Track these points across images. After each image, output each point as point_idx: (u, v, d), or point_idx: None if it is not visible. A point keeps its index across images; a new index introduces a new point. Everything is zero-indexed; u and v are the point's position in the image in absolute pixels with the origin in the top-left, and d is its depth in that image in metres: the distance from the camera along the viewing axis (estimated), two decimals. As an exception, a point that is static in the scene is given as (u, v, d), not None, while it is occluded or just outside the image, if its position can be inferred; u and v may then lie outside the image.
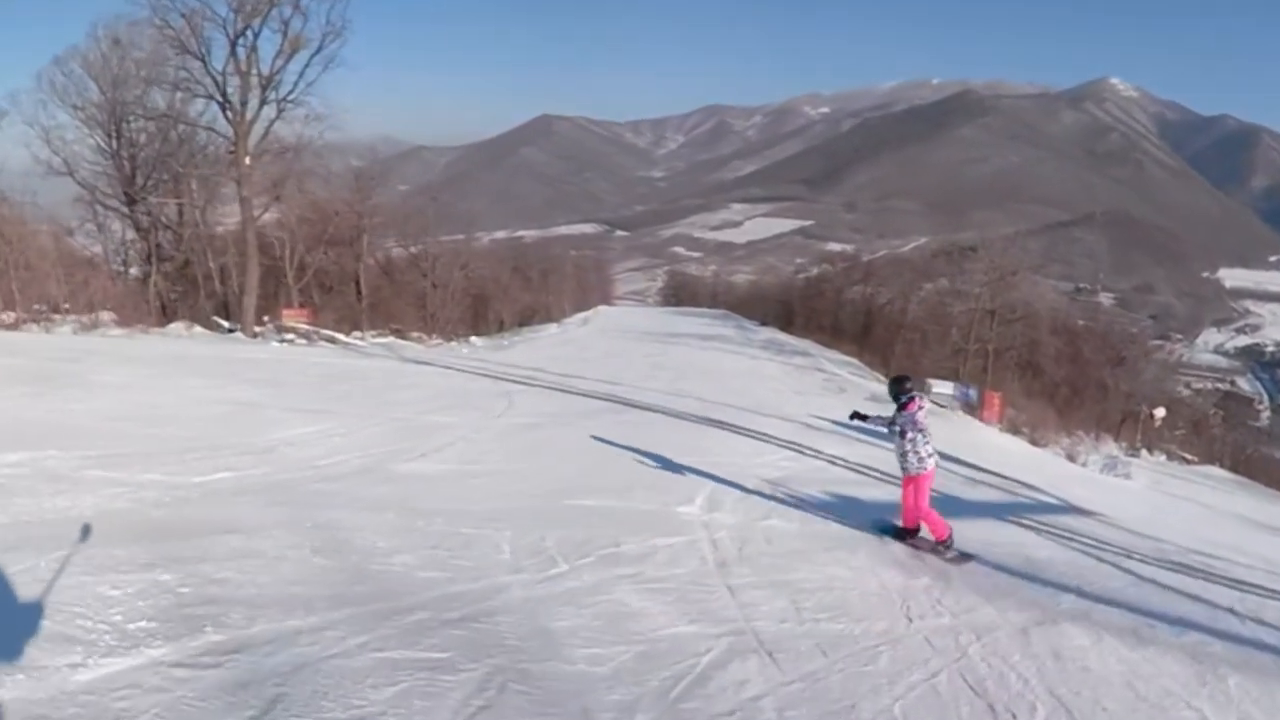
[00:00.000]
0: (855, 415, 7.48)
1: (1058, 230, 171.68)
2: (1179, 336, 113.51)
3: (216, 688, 3.37)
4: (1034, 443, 21.48)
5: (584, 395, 14.14)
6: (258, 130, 21.10)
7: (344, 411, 10.19)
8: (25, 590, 3.96)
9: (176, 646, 3.65)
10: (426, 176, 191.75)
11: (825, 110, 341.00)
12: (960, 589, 6.04)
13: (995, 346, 28.87)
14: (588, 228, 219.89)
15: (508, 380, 15.19)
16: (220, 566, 4.58)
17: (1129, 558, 7.77)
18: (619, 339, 29.32)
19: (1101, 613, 5.90)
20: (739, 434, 11.74)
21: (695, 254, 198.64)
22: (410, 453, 8.29)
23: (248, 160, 20.46)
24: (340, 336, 21.65)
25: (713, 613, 4.95)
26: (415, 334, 26.35)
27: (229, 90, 20.46)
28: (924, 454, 6.72)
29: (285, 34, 20.34)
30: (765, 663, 4.38)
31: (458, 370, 16.51)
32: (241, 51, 20.21)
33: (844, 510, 7.89)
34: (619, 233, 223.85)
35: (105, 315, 18.10)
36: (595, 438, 10.18)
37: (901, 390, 6.87)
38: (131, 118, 22.64)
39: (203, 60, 20.04)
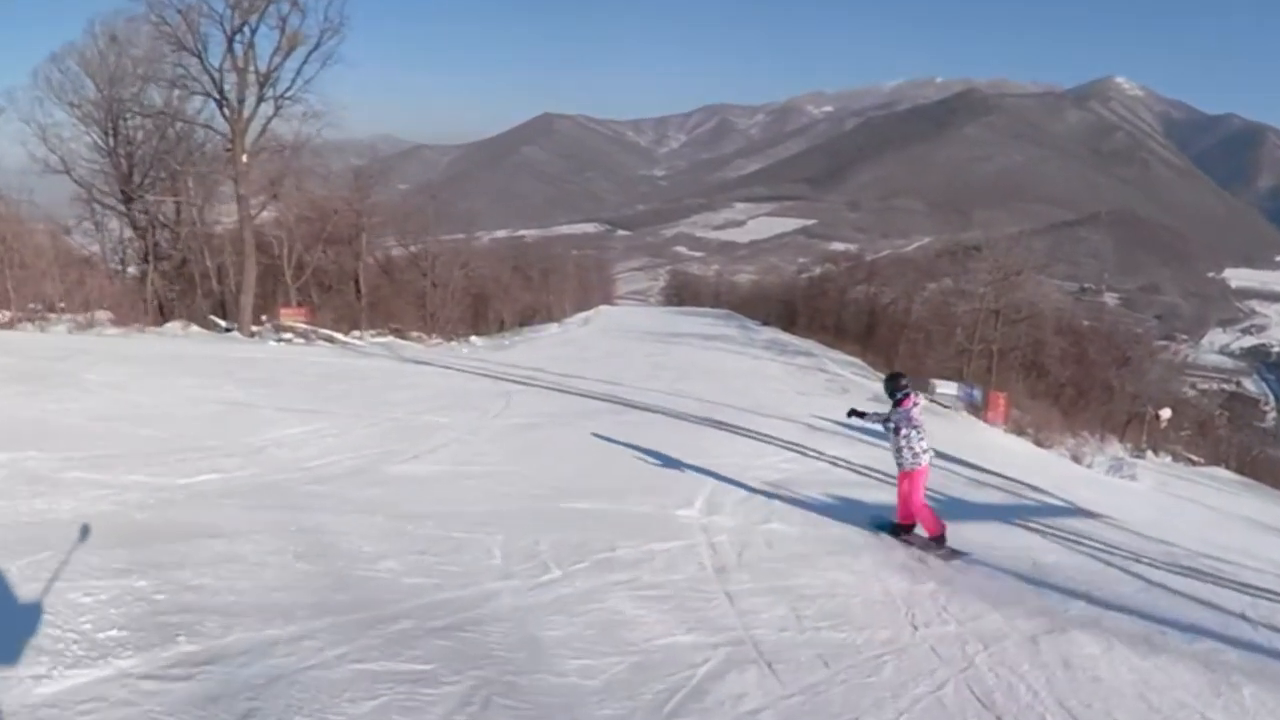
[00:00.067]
0: (853, 412, 7.52)
1: (1062, 230, 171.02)
2: (1184, 337, 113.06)
3: (186, 701, 3.24)
4: (1039, 444, 21.29)
5: (584, 395, 13.99)
6: (255, 128, 20.96)
7: (338, 411, 10.04)
8: (-9, 597, 3.82)
9: (147, 657, 3.52)
10: (427, 175, 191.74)
11: (828, 109, 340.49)
12: (966, 595, 5.89)
13: (1000, 347, 28.64)
14: (589, 227, 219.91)
15: (507, 380, 15.04)
16: (199, 572, 4.44)
17: (1138, 562, 7.65)
18: (620, 339, 29.17)
19: (1112, 619, 5.77)
20: (740, 435, 11.58)
21: (697, 253, 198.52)
22: (404, 454, 8.14)
23: (245, 158, 20.33)
24: (338, 336, 21.52)
25: (710, 621, 4.80)
26: (415, 333, 26.21)
27: (226, 87, 20.32)
28: (919, 449, 6.74)
29: (283, 30, 20.20)
30: (764, 674, 4.23)
31: (456, 370, 16.37)
32: (239, 48, 20.08)
33: (846, 513, 7.74)
34: (621, 232, 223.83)
35: (101, 314, 18.02)
36: (594, 439, 10.04)
37: (897, 387, 6.92)
38: (128, 115, 22.57)
39: (199, 57, 19.89)
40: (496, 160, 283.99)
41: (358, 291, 28.28)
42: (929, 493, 8.90)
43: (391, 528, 5.62)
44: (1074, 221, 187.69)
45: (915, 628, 5.15)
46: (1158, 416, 29.95)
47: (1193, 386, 59.42)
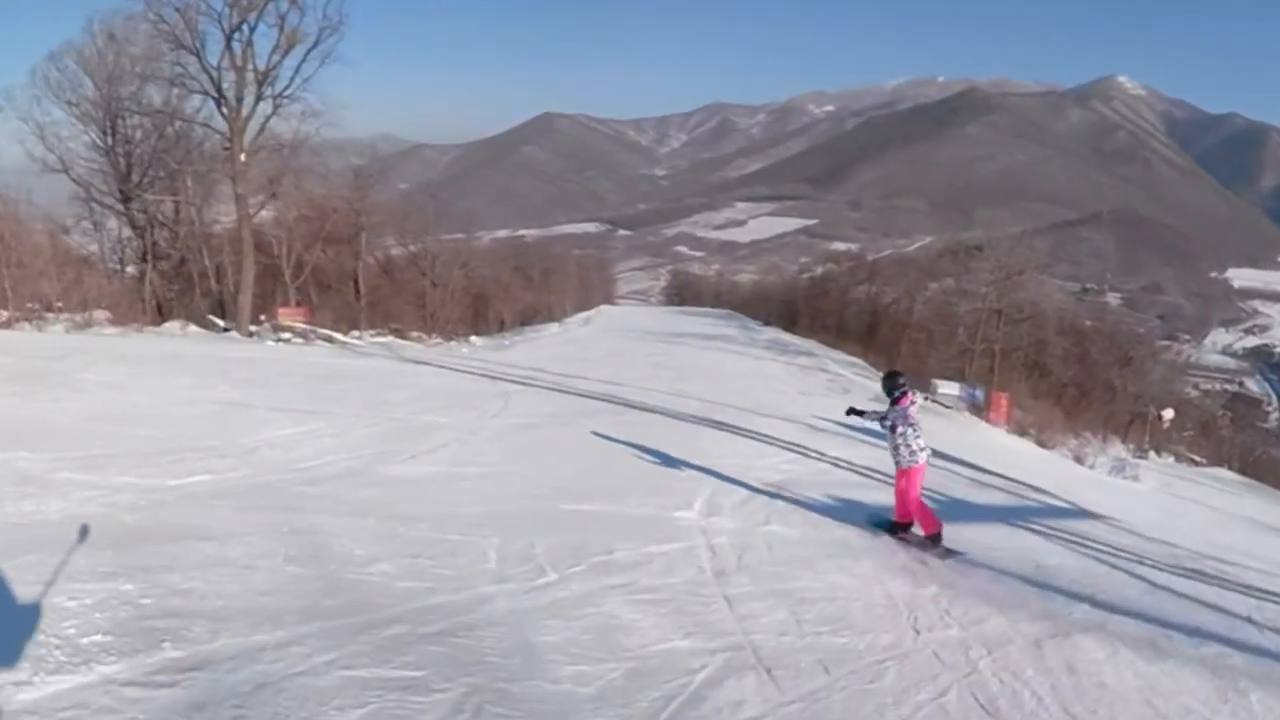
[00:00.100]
0: (852, 411, 7.57)
1: (1065, 229, 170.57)
2: (1187, 337, 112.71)
3: (169, 709, 3.16)
4: (1041, 444, 21.20)
5: (583, 395, 13.91)
6: (253, 126, 20.96)
7: (334, 412, 9.96)
8: (-26, 601, 3.75)
9: (131, 663, 3.44)
10: (427, 175, 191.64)
11: (830, 108, 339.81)
12: (969, 598, 5.82)
13: (1002, 347, 28.53)
14: (590, 227, 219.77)
15: (506, 380, 14.97)
16: (187, 576, 4.36)
17: (1141, 564, 7.58)
18: (621, 339, 29.08)
19: (1116, 623, 5.71)
20: (740, 435, 11.49)
21: (698, 253, 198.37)
22: (400, 454, 8.05)
23: (243, 157, 20.28)
24: (337, 336, 21.44)
25: (709, 626, 4.71)
26: (414, 333, 26.13)
27: (224, 86, 20.29)
28: (915, 447, 6.75)
29: (281, 29, 20.18)
30: (763, 681, 4.15)
31: (455, 370, 16.29)
32: (237, 46, 20.06)
33: (848, 515, 7.67)
34: (621, 232, 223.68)
35: (99, 314, 17.95)
36: (593, 439, 9.97)
37: (894, 385, 6.96)
38: (127, 114, 22.49)
39: (198, 55, 19.87)
40: (497, 159, 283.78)
41: (357, 291, 28.21)
42: (931, 493, 8.87)
43: (385, 530, 5.54)
44: (1076, 221, 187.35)
45: (917, 632, 5.07)
46: (1160, 417, 29.85)
47: (1195, 387, 59.15)
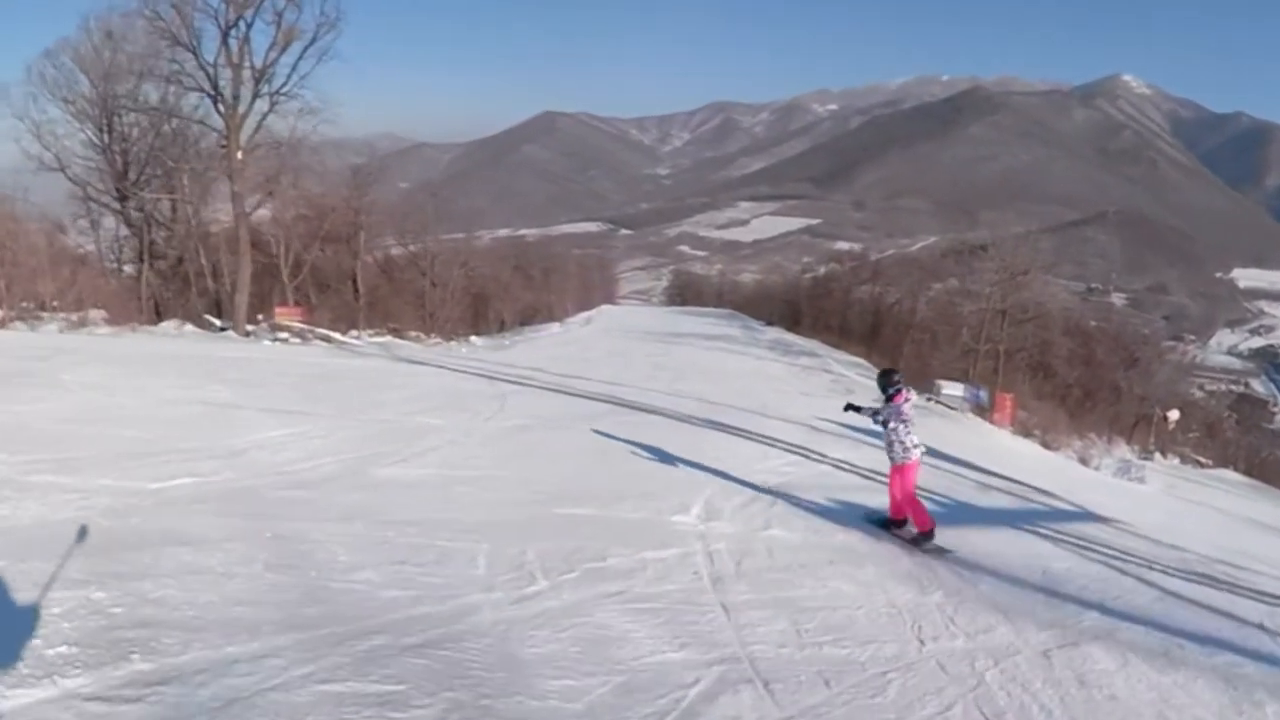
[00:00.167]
0: (849, 407, 7.64)
1: (1069, 229, 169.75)
2: (1192, 338, 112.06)
3: (132, 727, 2.98)
4: (1046, 446, 21.05)
5: (582, 396, 13.75)
6: (250, 124, 20.79)
7: (325, 413, 9.78)
8: (-64, 611, 3.60)
9: (97, 676, 3.27)
10: (428, 174, 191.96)
11: (833, 107, 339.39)
12: (975, 606, 5.67)
13: (1006, 347, 28.29)
14: (591, 226, 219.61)
15: (504, 380, 14.81)
16: (161, 584, 4.19)
17: (1151, 569, 7.45)
18: (622, 339, 28.95)
19: (1127, 632, 5.57)
20: (741, 437, 11.32)
21: (701, 253, 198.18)
22: (391, 457, 7.86)
23: (240, 154, 20.14)
24: (335, 335, 21.31)
25: (704, 636, 4.53)
26: (414, 333, 26.00)
27: (221, 83, 20.16)
28: (909, 444, 6.82)
29: (278, 25, 20.04)
30: (760, 695, 3.97)
31: (452, 370, 16.15)
32: (233, 43, 19.90)
33: (850, 518, 7.52)
34: (623, 231, 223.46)
35: (95, 313, 17.80)
36: (590, 441, 9.80)
37: (889, 383, 7.05)
38: (123, 112, 22.40)
39: (194, 52, 19.72)
40: (498, 158, 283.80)
41: (356, 291, 28.06)
42: (936, 496, 8.75)
43: (372, 535, 5.37)
44: (1081, 221, 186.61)
45: (922, 642, 4.90)
46: (1165, 418, 29.65)
47: (1200, 388, 58.80)
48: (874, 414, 7.08)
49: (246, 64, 20.13)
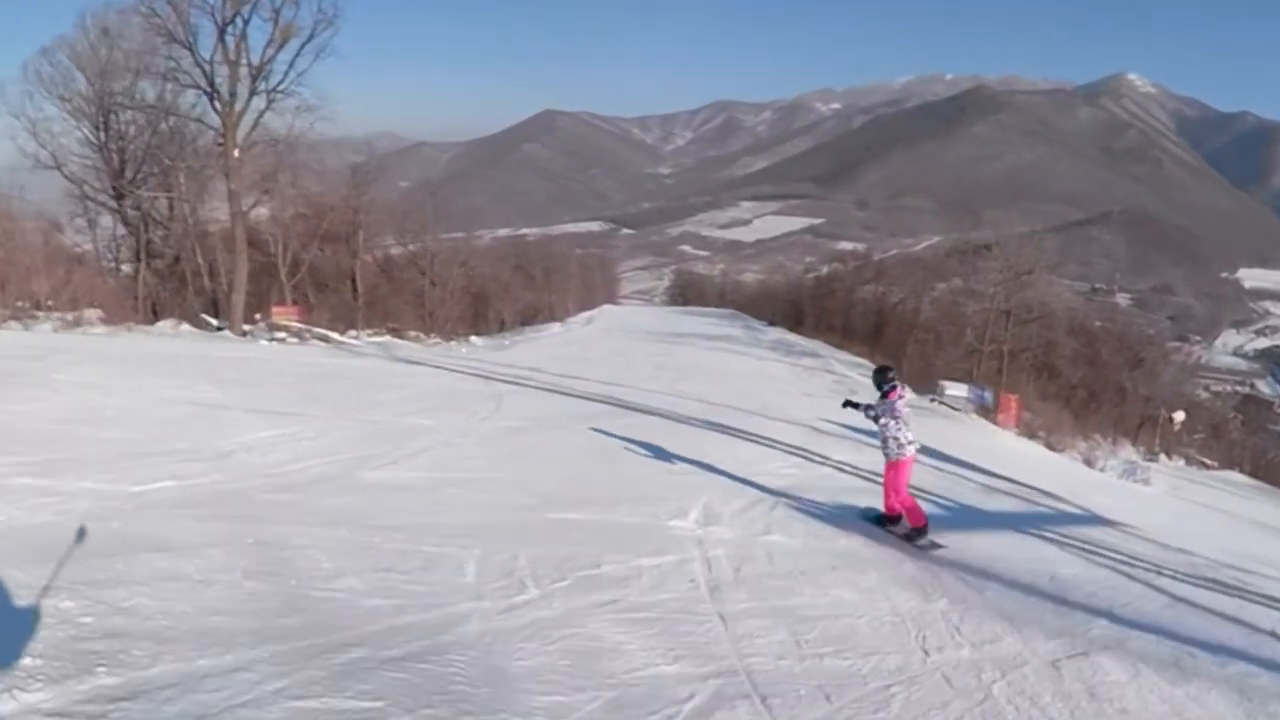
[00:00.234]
0: (848, 403, 7.74)
1: (1074, 229, 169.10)
2: (1197, 338, 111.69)
3: (92, 746, 2.83)
4: (1050, 447, 20.87)
5: (581, 397, 13.58)
6: (247, 121, 20.63)
7: (318, 414, 9.63)
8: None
9: (59, 690, 3.12)
10: (428, 173, 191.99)
11: (836, 106, 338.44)
12: (981, 614, 5.50)
13: (1010, 348, 28.06)
14: (593, 225, 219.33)
15: (501, 381, 14.65)
16: (134, 591, 4.03)
17: (1160, 574, 7.26)
18: (623, 339, 28.80)
19: (1137, 641, 5.39)
20: (742, 438, 11.14)
21: (703, 253, 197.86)
22: (382, 459, 7.70)
23: (236, 152, 19.99)
24: (333, 335, 21.17)
25: (700, 648, 4.36)
26: (413, 333, 25.86)
27: (218, 80, 20.02)
28: (903, 440, 6.85)
29: (276, 22, 19.89)
30: (758, 711, 3.80)
31: (450, 370, 16.00)
32: (230, 40, 19.75)
33: (852, 523, 7.34)
34: (625, 231, 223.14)
35: (91, 312, 17.67)
36: (587, 443, 9.64)
37: (885, 380, 7.21)
38: (120, 109, 22.27)
39: (191, 49, 19.57)
40: (498, 157, 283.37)
41: (354, 290, 27.90)
42: (940, 499, 8.59)
43: (357, 541, 5.20)
44: (1085, 221, 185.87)
45: (926, 653, 4.73)
46: (1171, 419, 29.45)
47: (1206, 389, 58.50)
48: (869, 409, 7.11)
49: (243, 61, 20.02)
